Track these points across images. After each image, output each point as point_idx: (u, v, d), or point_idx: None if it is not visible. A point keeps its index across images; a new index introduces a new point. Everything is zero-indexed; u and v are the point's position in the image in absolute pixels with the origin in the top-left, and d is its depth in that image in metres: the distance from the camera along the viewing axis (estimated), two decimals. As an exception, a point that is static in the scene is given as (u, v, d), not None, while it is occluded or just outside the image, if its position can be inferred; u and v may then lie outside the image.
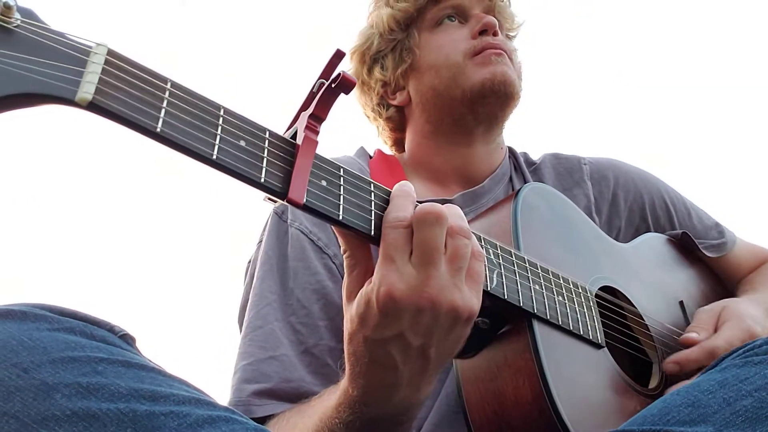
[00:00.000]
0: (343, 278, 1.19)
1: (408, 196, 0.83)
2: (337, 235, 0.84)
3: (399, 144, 1.55)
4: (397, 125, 1.52)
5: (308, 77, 0.86)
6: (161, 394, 0.72)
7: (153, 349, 0.85)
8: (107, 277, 2.70)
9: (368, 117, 1.58)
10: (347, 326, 0.82)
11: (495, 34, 1.40)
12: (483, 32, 1.39)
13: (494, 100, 1.37)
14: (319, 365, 1.15)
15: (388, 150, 1.58)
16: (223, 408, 0.76)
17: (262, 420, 1.09)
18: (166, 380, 0.75)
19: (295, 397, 1.10)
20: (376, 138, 1.60)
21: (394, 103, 1.48)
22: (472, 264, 0.82)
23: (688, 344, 1.17)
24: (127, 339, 0.80)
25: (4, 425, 0.66)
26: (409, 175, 1.44)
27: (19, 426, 0.66)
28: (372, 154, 1.51)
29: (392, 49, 1.45)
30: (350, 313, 0.82)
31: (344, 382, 0.86)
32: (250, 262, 1.31)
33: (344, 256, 0.84)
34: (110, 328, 0.79)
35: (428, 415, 1.14)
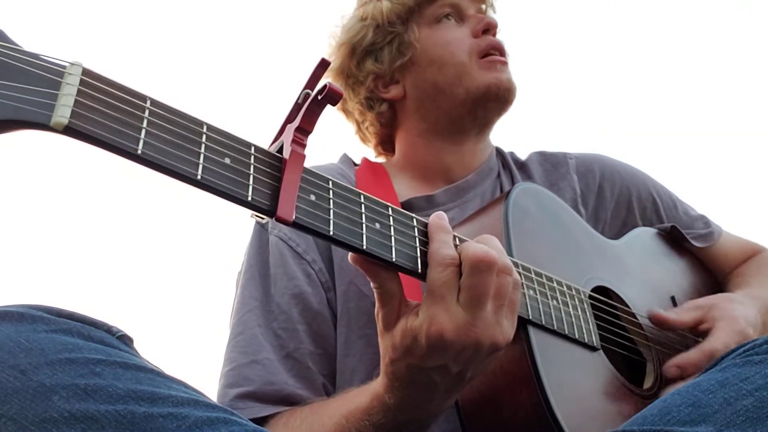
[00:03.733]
0: (321, 284, 1.21)
1: (449, 232, 0.88)
2: (365, 272, 0.85)
3: (386, 141, 1.52)
4: (388, 121, 1.48)
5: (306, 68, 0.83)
6: (159, 395, 0.71)
7: (151, 350, 0.85)
8: (105, 278, 2.67)
9: (350, 111, 1.53)
10: (388, 352, 0.87)
11: (494, 35, 1.41)
12: (484, 32, 1.39)
13: (495, 105, 1.38)
14: (301, 368, 1.16)
15: (371, 152, 1.55)
16: (222, 409, 0.75)
17: (257, 422, 1.08)
18: (164, 381, 0.74)
19: (279, 399, 1.11)
20: (357, 143, 1.56)
21: (387, 96, 1.44)
22: (511, 296, 0.87)
23: (655, 319, 1.24)
24: (125, 340, 0.80)
25: (2, 427, 0.66)
26: (395, 177, 1.42)
27: (16, 428, 0.65)
28: (356, 162, 1.48)
29: (389, 42, 1.42)
30: (392, 342, 0.86)
31: (379, 390, 0.91)
32: (239, 273, 1.30)
33: (374, 289, 0.86)
34: (107, 329, 0.78)
35: None
